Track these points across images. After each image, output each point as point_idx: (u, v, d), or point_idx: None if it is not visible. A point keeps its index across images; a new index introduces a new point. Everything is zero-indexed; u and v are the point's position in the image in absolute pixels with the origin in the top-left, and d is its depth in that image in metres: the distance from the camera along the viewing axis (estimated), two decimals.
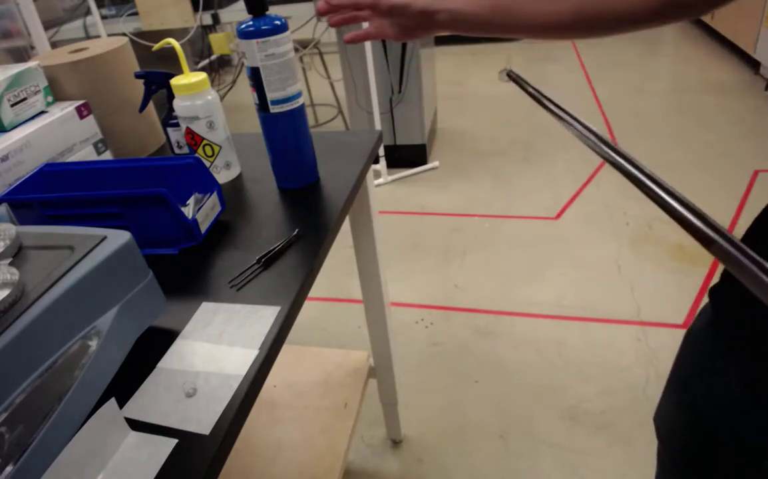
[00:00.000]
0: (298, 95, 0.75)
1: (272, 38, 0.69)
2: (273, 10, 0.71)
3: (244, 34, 0.69)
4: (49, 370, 0.42)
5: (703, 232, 0.30)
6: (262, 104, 0.74)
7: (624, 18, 0.49)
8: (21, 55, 1.72)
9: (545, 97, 0.48)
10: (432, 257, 2.02)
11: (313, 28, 2.52)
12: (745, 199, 2.09)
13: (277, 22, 0.69)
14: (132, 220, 0.67)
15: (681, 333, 0.60)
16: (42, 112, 0.86)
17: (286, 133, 0.77)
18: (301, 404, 1.15)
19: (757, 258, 0.27)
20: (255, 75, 0.71)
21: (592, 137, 0.39)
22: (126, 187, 0.74)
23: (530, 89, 0.52)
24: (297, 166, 0.80)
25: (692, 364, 0.57)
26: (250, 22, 0.69)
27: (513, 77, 0.56)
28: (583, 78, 3.50)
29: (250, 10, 0.70)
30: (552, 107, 0.47)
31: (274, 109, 0.74)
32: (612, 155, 0.36)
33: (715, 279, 0.54)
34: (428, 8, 0.58)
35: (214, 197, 0.73)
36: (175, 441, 0.45)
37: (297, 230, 0.70)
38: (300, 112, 0.76)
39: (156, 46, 0.87)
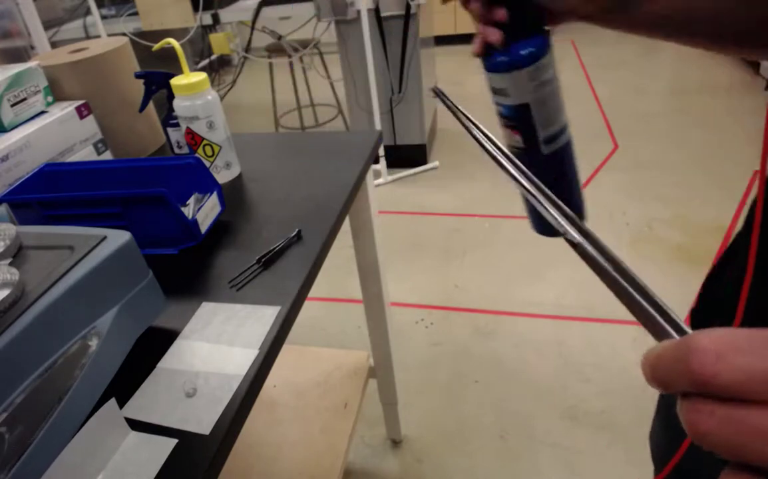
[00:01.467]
0: (567, 124, 0.59)
1: (543, 61, 0.51)
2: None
3: (508, 65, 0.51)
4: (49, 370, 0.42)
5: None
6: (531, 146, 0.56)
7: None
8: (21, 55, 1.72)
9: (471, 121, 0.41)
10: (432, 257, 2.02)
11: (313, 28, 2.52)
12: (745, 199, 2.09)
13: (542, 37, 0.51)
14: (132, 220, 0.67)
15: None
16: (42, 112, 0.85)
17: (558, 171, 0.62)
18: (301, 404, 1.15)
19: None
20: (521, 113, 0.53)
21: (514, 171, 0.34)
22: (126, 187, 0.74)
23: (456, 111, 0.45)
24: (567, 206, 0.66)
25: None
26: (519, 47, 0.51)
27: (438, 94, 0.49)
28: (583, 78, 3.50)
29: (518, 30, 0.50)
30: (476, 134, 0.39)
31: (547, 149, 0.56)
32: (533, 192, 0.32)
33: (694, 303, 0.54)
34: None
35: (214, 197, 0.73)
36: (175, 441, 0.45)
37: (297, 230, 0.70)
38: (571, 144, 0.60)
39: (156, 46, 0.87)
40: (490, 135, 0.38)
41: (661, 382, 0.19)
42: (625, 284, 0.24)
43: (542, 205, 0.30)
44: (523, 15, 0.50)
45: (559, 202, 0.30)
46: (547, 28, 0.52)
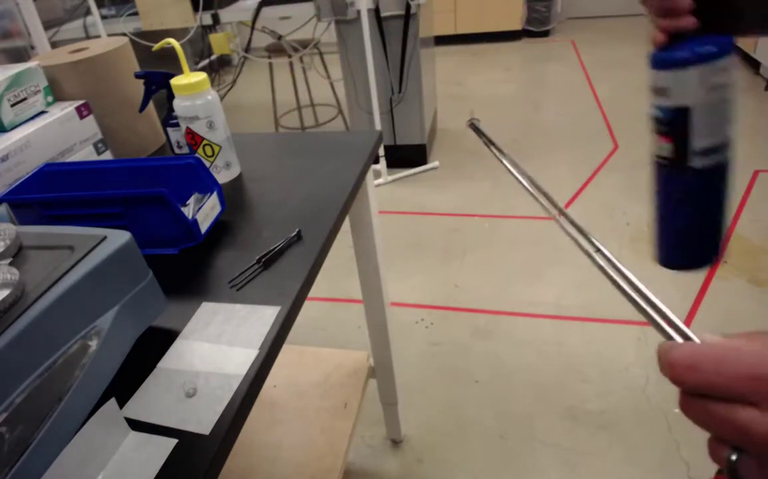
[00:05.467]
0: (730, 141, 0.52)
1: (721, 62, 0.46)
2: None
3: (680, 62, 0.46)
4: (49, 370, 0.42)
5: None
6: (680, 156, 0.51)
7: None
8: (21, 55, 1.72)
9: (504, 154, 0.42)
10: (432, 257, 2.02)
11: (313, 28, 2.52)
12: (745, 199, 2.09)
13: (725, 37, 0.47)
14: (132, 220, 0.67)
15: None
16: (42, 112, 0.85)
17: (704, 192, 0.55)
18: (301, 404, 1.15)
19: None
20: (678, 118, 0.49)
21: (543, 200, 0.36)
22: (126, 187, 0.74)
23: (490, 145, 0.44)
24: (705, 239, 0.58)
25: None
26: (699, 43, 0.46)
27: (475, 128, 0.47)
28: (583, 78, 3.50)
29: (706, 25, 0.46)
30: (509, 167, 0.41)
31: (698, 163, 0.50)
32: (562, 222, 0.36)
33: None
34: None
35: (214, 197, 0.73)
36: (175, 441, 0.45)
37: (297, 230, 0.70)
38: (728, 167, 0.54)
39: (156, 46, 0.87)
40: (523, 170, 0.41)
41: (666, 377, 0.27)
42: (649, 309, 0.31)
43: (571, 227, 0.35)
44: (714, 12, 0.46)
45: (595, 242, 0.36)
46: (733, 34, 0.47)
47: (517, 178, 0.40)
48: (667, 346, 0.27)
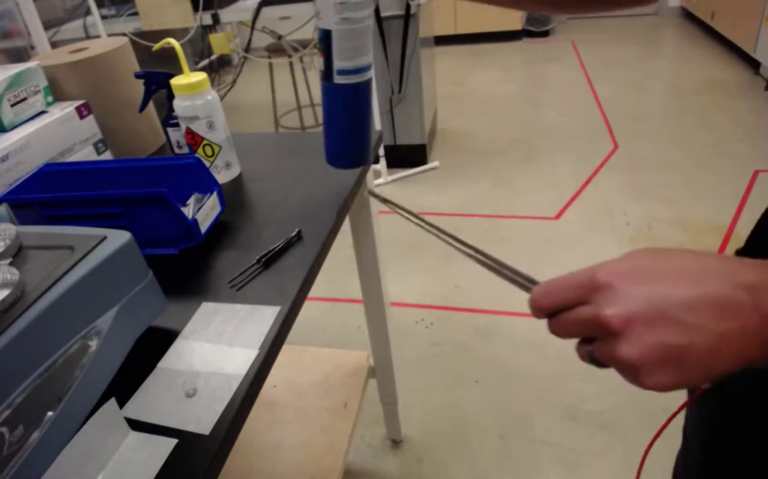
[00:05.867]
0: (367, 68, 0.67)
1: (352, 0, 0.61)
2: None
3: None
4: (49, 370, 0.42)
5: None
6: (327, 72, 0.66)
7: None
8: (21, 55, 1.72)
9: (413, 213, 0.52)
10: (432, 257, 2.02)
11: (314, 28, 2.52)
12: (745, 199, 2.09)
13: None
14: (132, 220, 0.67)
15: None
16: (42, 112, 0.86)
17: (347, 107, 0.69)
18: (301, 404, 1.15)
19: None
20: (326, 38, 0.64)
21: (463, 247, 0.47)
22: (126, 187, 0.74)
23: (397, 208, 0.55)
24: (352, 145, 0.72)
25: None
26: None
27: (378, 197, 0.56)
28: (583, 78, 3.50)
29: None
30: (423, 225, 0.51)
31: (339, 79, 0.66)
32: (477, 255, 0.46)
33: None
34: None
35: (214, 197, 0.73)
36: (175, 441, 0.45)
37: (297, 230, 0.70)
38: (366, 87, 0.68)
39: (156, 46, 0.87)
40: (432, 222, 0.50)
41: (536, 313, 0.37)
42: (501, 269, 0.43)
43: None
44: None
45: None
46: None
47: (430, 231, 0.51)
48: (532, 292, 0.37)
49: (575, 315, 0.34)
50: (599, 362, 0.34)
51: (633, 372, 0.31)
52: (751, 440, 0.46)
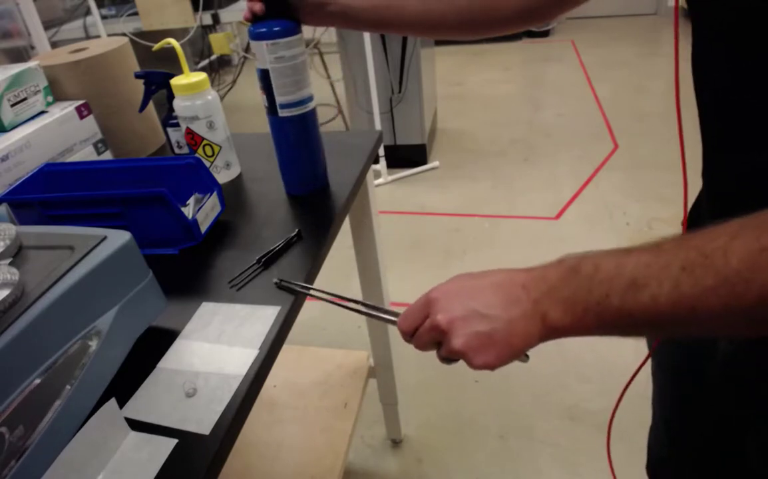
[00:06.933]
0: (309, 99, 0.72)
1: (282, 40, 0.66)
2: None
3: (255, 36, 0.67)
4: (49, 370, 0.42)
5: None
6: (272, 107, 0.71)
7: (497, 22, 0.63)
8: (21, 55, 1.72)
9: (321, 290, 0.60)
10: (432, 257, 2.02)
11: (314, 27, 2.52)
12: None
13: (289, 25, 0.67)
14: (132, 219, 0.67)
15: None
16: (42, 112, 0.86)
17: (295, 138, 0.74)
18: (301, 404, 1.15)
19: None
20: (264, 77, 0.69)
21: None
22: (126, 186, 0.74)
23: (308, 289, 0.60)
24: (305, 172, 0.78)
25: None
26: (262, 24, 0.67)
27: (283, 287, 0.60)
28: (583, 78, 3.50)
29: (271, 11, 0.67)
30: (328, 298, 0.59)
31: (284, 113, 0.71)
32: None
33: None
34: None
35: (214, 197, 0.73)
36: (175, 441, 0.45)
37: (297, 230, 0.70)
38: (310, 116, 0.73)
39: (156, 46, 0.87)
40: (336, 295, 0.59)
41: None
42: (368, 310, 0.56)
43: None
44: (276, 3, 0.66)
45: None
46: (301, 22, 0.68)
47: (339, 304, 0.58)
48: (397, 322, 0.47)
49: (423, 328, 0.44)
50: (448, 359, 0.44)
51: (465, 357, 0.42)
52: (692, 401, 0.63)
